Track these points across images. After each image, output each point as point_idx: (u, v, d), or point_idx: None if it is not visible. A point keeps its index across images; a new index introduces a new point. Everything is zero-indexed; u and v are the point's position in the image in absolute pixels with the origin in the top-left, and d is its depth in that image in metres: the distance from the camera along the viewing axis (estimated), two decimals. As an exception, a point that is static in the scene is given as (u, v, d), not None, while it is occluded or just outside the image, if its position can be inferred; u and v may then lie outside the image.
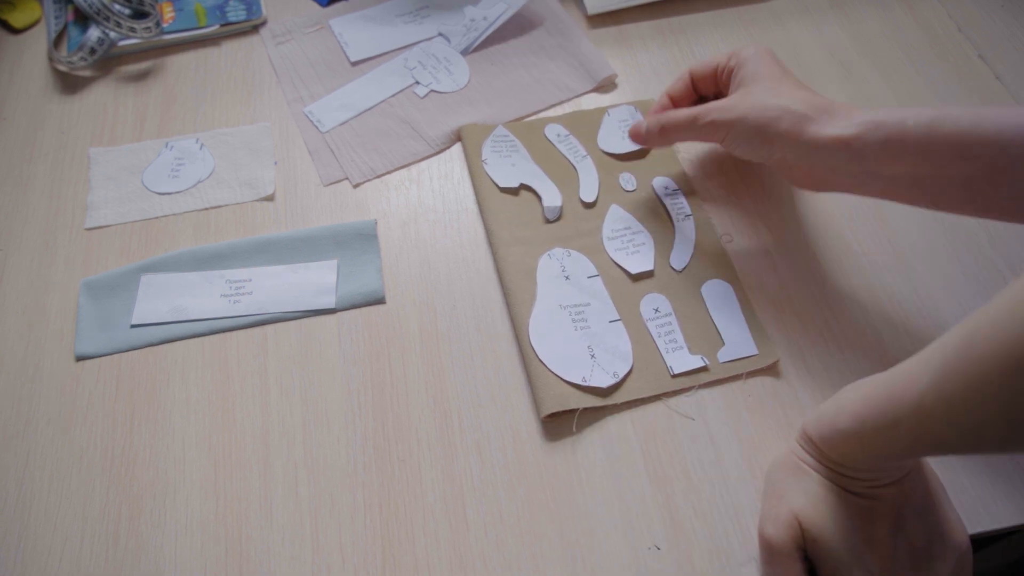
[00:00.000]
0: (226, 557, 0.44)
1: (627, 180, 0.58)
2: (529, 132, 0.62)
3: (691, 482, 0.46)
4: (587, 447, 0.47)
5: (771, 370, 0.49)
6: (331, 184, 0.60)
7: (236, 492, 0.46)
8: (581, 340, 0.50)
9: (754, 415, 0.48)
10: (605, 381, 0.48)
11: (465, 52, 0.68)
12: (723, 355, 0.49)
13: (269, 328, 0.53)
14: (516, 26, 0.69)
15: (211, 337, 0.53)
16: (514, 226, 0.55)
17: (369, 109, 0.65)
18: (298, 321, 0.53)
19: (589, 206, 0.57)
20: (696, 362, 0.49)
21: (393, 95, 0.65)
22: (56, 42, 0.69)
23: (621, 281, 0.53)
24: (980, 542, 0.45)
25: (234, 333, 0.53)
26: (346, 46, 0.69)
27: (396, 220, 0.58)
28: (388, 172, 0.61)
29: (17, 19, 0.71)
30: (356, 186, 0.60)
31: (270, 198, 0.60)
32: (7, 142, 0.63)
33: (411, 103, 0.65)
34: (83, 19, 0.69)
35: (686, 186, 0.58)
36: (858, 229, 0.56)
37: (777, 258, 0.54)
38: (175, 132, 0.64)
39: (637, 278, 0.53)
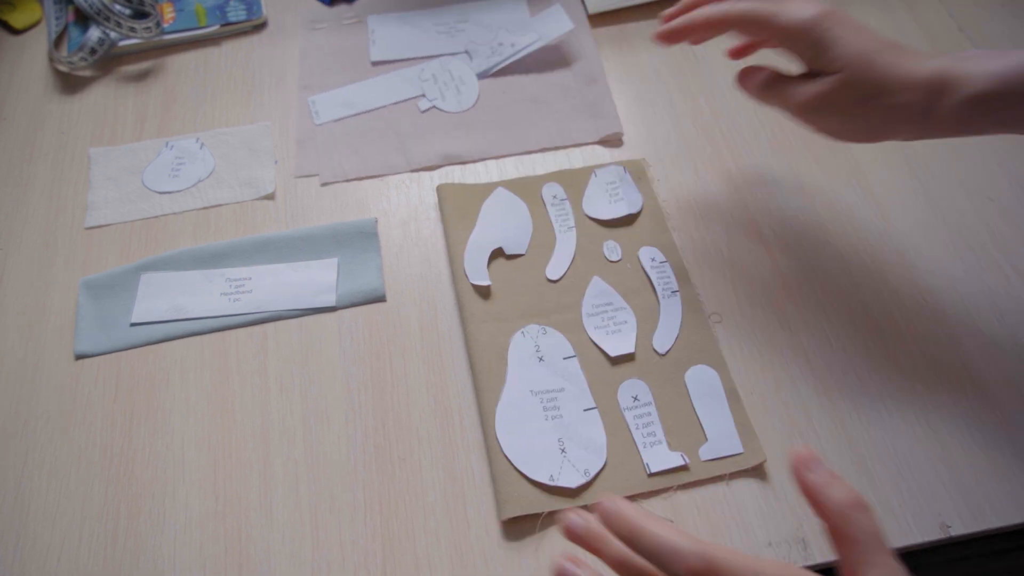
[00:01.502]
0: (225, 556, 0.44)
1: (611, 249, 0.54)
2: (527, 190, 0.58)
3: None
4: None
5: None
6: (302, 177, 0.60)
7: (236, 491, 0.46)
8: (552, 432, 0.47)
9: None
10: (574, 480, 0.45)
11: (483, 75, 0.66)
12: (705, 452, 0.46)
13: (269, 327, 0.53)
14: (546, 60, 0.66)
15: (211, 336, 0.52)
16: (488, 302, 0.52)
17: (367, 112, 0.64)
18: (298, 319, 0.53)
19: (553, 283, 0.53)
20: (675, 460, 0.45)
21: (396, 103, 0.65)
22: (56, 42, 0.69)
23: (599, 364, 0.49)
24: (990, 539, 0.45)
25: (234, 332, 0.53)
26: (372, 44, 0.69)
27: (396, 219, 0.58)
28: (359, 179, 0.60)
29: (17, 20, 0.71)
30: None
31: (270, 197, 0.59)
32: (7, 142, 0.63)
33: (409, 115, 0.64)
34: (83, 19, 0.69)
35: (675, 258, 0.54)
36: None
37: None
38: (175, 132, 0.64)
39: (617, 361, 0.49)
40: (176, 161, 0.62)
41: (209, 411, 0.49)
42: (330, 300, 0.54)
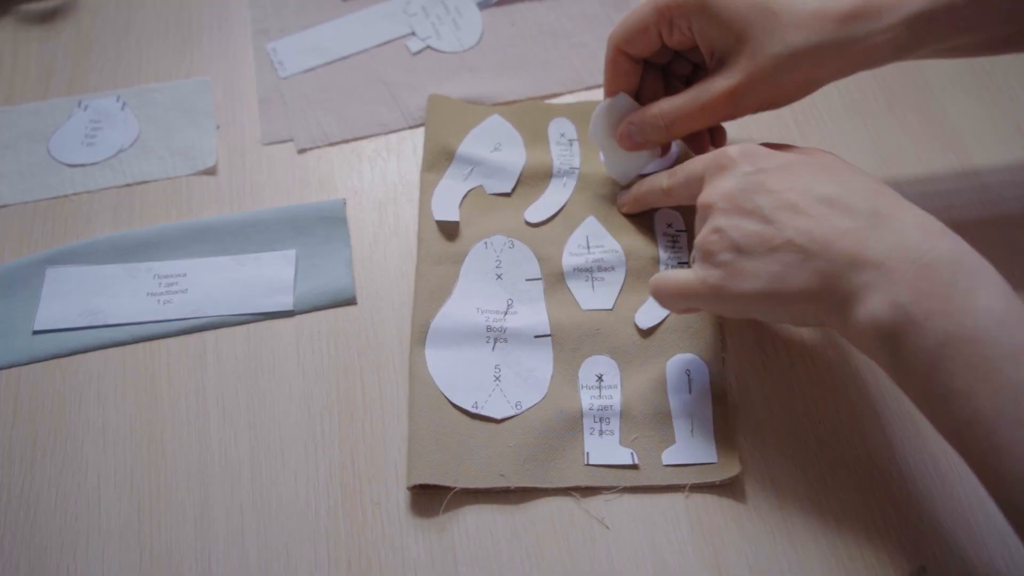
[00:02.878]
0: (153, 626, 0.44)
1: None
2: (530, 123, 0.60)
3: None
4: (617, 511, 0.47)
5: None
6: (273, 144, 0.61)
7: (165, 543, 0.46)
8: (489, 357, 0.50)
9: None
10: (501, 411, 0.48)
11: (484, 4, 0.66)
12: (669, 456, 0.47)
13: (209, 335, 0.53)
14: None
15: (135, 346, 0.52)
16: (451, 242, 0.54)
17: (344, 58, 0.65)
18: (246, 326, 0.53)
19: (533, 227, 0.55)
20: (623, 457, 0.47)
21: (379, 45, 0.65)
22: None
23: (568, 308, 0.52)
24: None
25: (164, 341, 0.52)
26: (344, -30, 0.68)
27: (370, 200, 0.58)
28: (344, 141, 0.61)
29: None
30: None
31: (211, 171, 0.59)
32: None
33: (398, 59, 0.64)
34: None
35: (692, 231, 0.55)
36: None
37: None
38: (90, 88, 0.64)
39: (587, 318, 0.52)
40: (91, 125, 0.62)
41: (133, 441, 0.49)
42: (286, 303, 0.54)
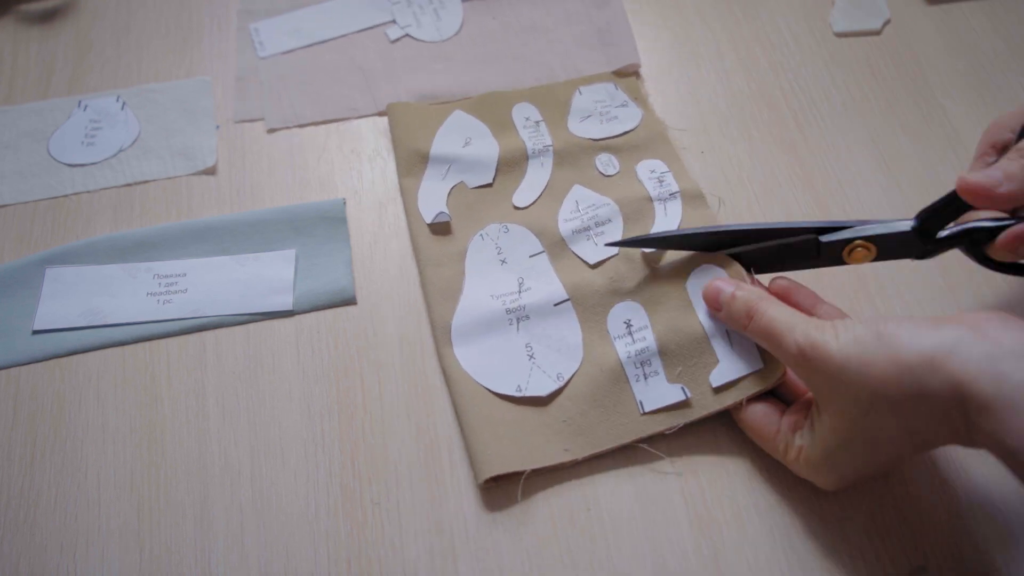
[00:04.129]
0: (152, 626, 0.44)
1: (606, 163, 0.58)
2: (493, 112, 0.61)
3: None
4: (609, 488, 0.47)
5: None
6: (243, 122, 0.61)
7: (165, 543, 0.46)
8: (517, 337, 0.50)
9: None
10: (546, 387, 0.48)
11: None
12: (717, 376, 0.47)
13: (209, 335, 0.53)
14: None
15: (135, 346, 0.52)
16: (447, 239, 0.55)
17: (323, 42, 0.65)
18: (246, 326, 0.53)
19: (521, 210, 0.56)
20: (675, 395, 0.47)
21: (359, 31, 0.66)
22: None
23: (579, 270, 0.53)
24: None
25: (164, 341, 0.53)
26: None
27: (370, 200, 0.58)
28: (313, 123, 0.62)
29: None
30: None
31: (211, 171, 0.59)
32: None
33: (376, 47, 0.65)
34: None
35: (680, 172, 0.57)
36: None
37: None
38: (90, 88, 0.64)
39: (596, 267, 0.53)
40: (91, 125, 0.62)
41: (132, 441, 0.49)
42: (286, 302, 0.54)
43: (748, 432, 0.47)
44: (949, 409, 0.36)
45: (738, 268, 0.49)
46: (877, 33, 0.65)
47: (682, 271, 0.50)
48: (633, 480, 0.47)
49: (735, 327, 0.46)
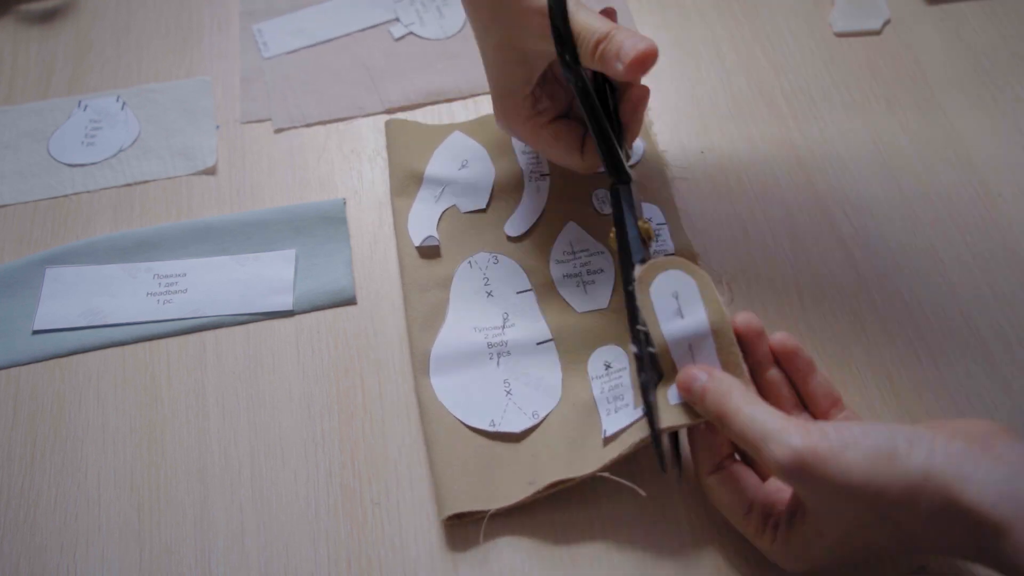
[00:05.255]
0: (152, 626, 0.44)
1: (603, 199, 0.56)
2: (493, 133, 0.58)
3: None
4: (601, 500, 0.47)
5: None
6: (250, 123, 0.61)
7: (165, 543, 0.46)
8: (496, 373, 0.49)
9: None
10: (520, 424, 0.48)
11: None
12: (674, 394, 0.43)
13: (209, 335, 0.53)
14: None
15: (135, 346, 0.52)
16: (434, 263, 0.54)
17: (327, 41, 0.65)
18: (245, 326, 0.53)
19: (513, 241, 0.55)
20: (635, 415, 0.45)
21: (362, 30, 0.66)
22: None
23: (565, 314, 0.51)
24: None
25: (164, 341, 0.53)
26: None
27: (370, 200, 0.58)
28: (321, 123, 0.62)
29: None
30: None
31: (211, 171, 0.60)
32: None
33: (380, 45, 0.65)
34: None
35: (676, 227, 0.55)
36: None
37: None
38: (90, 88, 0.64)
39: (584, 318, 0.51)
40: (91, 125, 0.62)
41: (132, 441, 0.49)
42: (286, 302, 0.54)
43: (716, 506, 0.44)
44: (959, 530, 0.36)
45: (703, 276, 0.45)
46: (877, 33, 0.65)
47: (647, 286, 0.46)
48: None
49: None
